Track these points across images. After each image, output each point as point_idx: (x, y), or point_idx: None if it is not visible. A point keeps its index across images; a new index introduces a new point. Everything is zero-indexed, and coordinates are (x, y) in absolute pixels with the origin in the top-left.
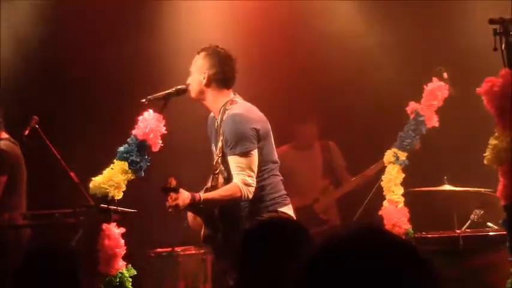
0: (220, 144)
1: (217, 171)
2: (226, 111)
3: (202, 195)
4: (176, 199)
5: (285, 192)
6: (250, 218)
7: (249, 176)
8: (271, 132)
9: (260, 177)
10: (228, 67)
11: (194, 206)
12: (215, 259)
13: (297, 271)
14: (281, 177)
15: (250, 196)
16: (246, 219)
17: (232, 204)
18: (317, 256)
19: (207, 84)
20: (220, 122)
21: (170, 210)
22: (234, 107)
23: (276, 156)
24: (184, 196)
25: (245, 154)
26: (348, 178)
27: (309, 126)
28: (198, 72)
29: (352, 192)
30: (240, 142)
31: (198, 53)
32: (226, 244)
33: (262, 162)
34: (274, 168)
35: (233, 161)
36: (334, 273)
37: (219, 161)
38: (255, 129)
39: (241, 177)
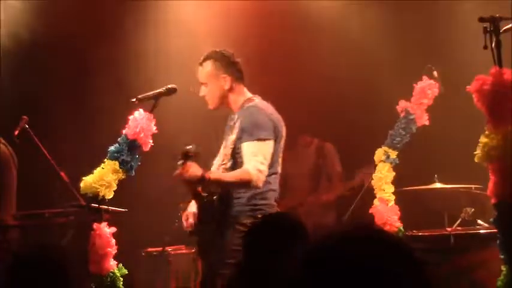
0: (234, 136)
1: (224, 162)
2: (245, 106)
3: (211, 175)
4: (187, 170)
5: (271, 203)
6: (241, 216)
7: (262, 163)
8: (283, 140)
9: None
10: (238, 64)
11: (201, 183)
12: (199, 253)
13: (292, 268)
14: (275, 188)
15: (261, 184)
16: (240, 214)
17: (232, 196)
18: (313, 254)
19: (230, 87)
20: (236, 118)
21: (177, 179)
22: (254, 102)
23: (278, 168)
24: (194, 169)
25: (261, 141)
26: (339, 185)
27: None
28: (215, 79)
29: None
30: (256, 129)
31: (202, 63)
32: (216, 236)
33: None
34: (273, 179)
35: (247, 147)
36: (330, 272)
37: (229, 153)
38: (273, 121)
39: (253, 163)
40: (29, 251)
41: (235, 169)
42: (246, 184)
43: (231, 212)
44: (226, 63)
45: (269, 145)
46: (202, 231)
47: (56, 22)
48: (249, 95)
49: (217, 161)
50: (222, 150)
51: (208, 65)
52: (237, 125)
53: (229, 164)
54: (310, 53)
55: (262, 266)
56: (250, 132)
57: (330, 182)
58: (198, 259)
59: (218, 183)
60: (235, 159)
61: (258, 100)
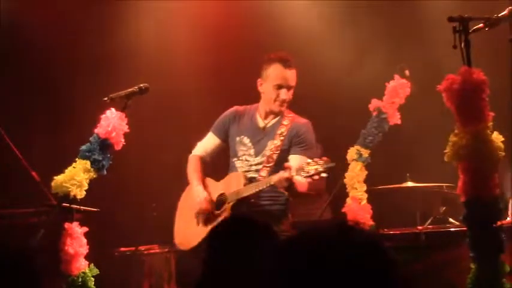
0: (278, 143)
1: (270, 164)
2: (288, 118)
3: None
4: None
5: None
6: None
7: None
8: None
9: None
10: None
11: (288, 188)
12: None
13: (263, 267)
14: None
15: None
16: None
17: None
18: (286, 253)
19: None
20: (277, 124)
21: (290, 179)
22: (298, 117)
23: None
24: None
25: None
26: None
27: None
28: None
29: None
30: (313, 146)
31: (292, 66)
32: None
33: None
34: None
35: (303, 160)
36: (303, 271)
37: (275, 158)
38: None
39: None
40: None
41: (276, 173)
42: (303, 195)
43: (274, 211)
44: None
45: None
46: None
47: (26, 21)
48: None
49: (247, 160)
50: (246, 150)
51: (295, 71)
52: (285, 133)
53: (274, 168)
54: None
55: (230, 265)
56: (310, 147)
57: None
58: (171, 258)
59: (293, 190)
60: (280, 165)
61: None
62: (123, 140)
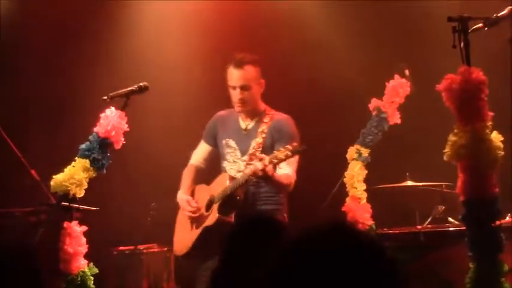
0: (260, 140)
1: (252, 163)
2: (269, 115)
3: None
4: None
5: None
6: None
7: (294, 172)
8: None
9: None
10: None
11: (265, 178)
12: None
13: (269, 264)
14: None
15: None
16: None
17: (255, 195)
18: (289, 252)
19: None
20: (258, 123)
21: (260, 169)
22: (278, 114)
23: None
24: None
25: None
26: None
27: None
28: (257, 84)
29: None
30: (295, 140)
31: (242, 66)
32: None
33: None
34: None
35: None
36: (303, 271)
37: (257, 154)
38: None
39: (292, 170)
40: None
41: None
42: (288, 187)
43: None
44: (261, 69)
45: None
46: (222, 223)
47: (25, 21)
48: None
49: (235, 161)
50: (233, 151)
51: (251, 69)
52: (266, 130)
53: None
54: (283, 53)
55: (246, 261)
56: (290, 141)
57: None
58: (170, 258)
59: (273, 180)
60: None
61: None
62: (122, 139)
